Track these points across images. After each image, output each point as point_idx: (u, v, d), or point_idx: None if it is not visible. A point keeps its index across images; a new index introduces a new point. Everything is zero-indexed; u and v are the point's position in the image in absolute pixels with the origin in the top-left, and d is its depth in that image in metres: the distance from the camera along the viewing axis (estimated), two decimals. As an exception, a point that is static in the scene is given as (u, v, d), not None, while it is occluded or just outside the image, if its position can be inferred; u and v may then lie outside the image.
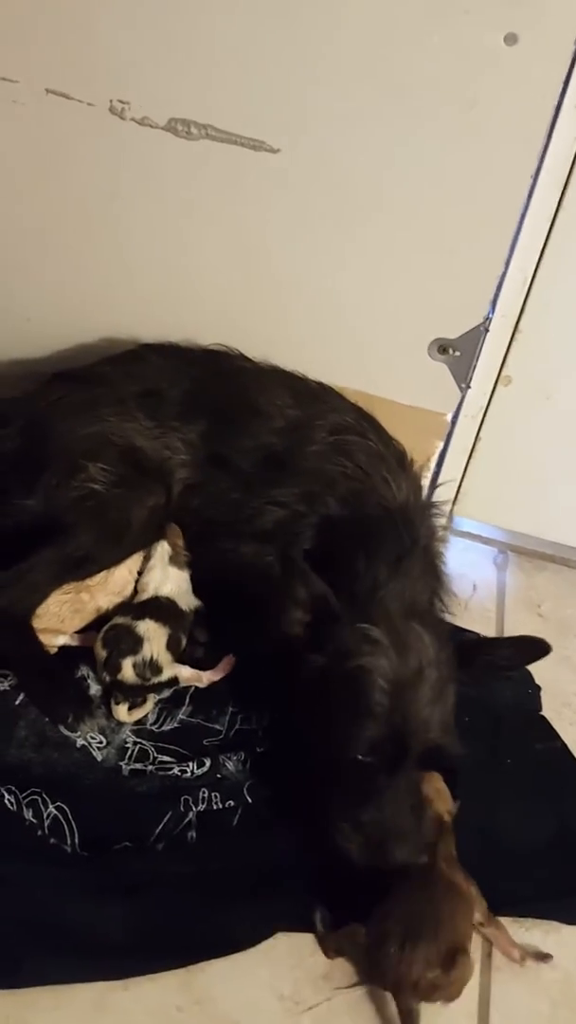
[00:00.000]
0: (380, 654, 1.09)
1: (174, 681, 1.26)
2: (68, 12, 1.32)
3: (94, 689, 1.25)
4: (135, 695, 1.23)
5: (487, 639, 1.28)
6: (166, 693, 1.26)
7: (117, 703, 1.22)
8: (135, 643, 1.24)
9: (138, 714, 1.23)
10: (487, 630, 1.50)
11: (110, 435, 1.33)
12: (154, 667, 1.23)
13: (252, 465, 1.32)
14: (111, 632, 1.25)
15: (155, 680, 1.24)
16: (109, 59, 1.33)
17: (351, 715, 1.07)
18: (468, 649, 1.18)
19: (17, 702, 1.21)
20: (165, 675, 1.25)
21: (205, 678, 1.28)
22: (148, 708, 1.24)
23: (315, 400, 1.39)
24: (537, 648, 1.16)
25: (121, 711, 1.22)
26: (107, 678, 1.23)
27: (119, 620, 1.27)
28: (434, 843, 1.08)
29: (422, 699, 1.08)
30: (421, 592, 1.21)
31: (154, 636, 1.26)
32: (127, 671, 1.22)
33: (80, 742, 1.20)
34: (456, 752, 1.12)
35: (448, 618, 1.33)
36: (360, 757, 1.06)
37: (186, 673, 1.28)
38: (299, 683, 1.14)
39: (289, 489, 1.29)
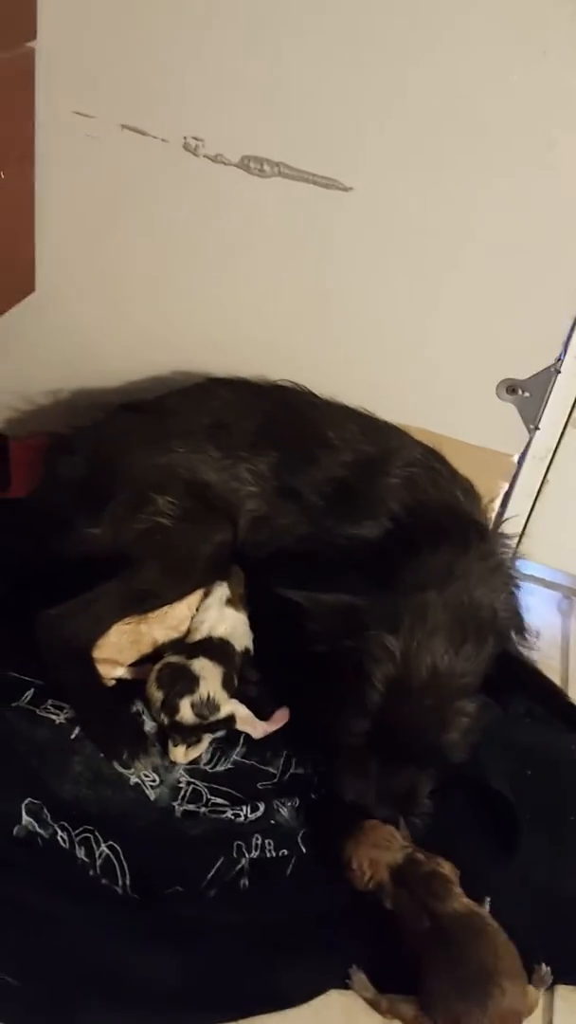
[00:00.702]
0: (387, 660, 1.09)
1: (231, 719, 1.24)
2: (145, 48, 1.33)
3: (149, 726, 1.23)
4: (194, 735, 1.21)
5: (527, 672, 1.22)
6: (221, 732, 1.24)
7: (175, 744, 1.20)
8: (191, 682, 1.22)
9: (193, 754, 1.22)
10: (552, 677, 1.45)
11: (178, 468, 1.32)
12: (212, 705, 1.21)
13: (323, 498, 1.31)
14: (165, 672, 1.24)
15: (213, 718, 1.21)
16: (184, 96, 1.34)
17: (348, 705, 1.11)
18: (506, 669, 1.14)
19: (73, 736, 1.19)
20: (223, 712, 1.23)
21: (260, 729, 1.25)
22: (203, 747, 1.23)
23: (384, 435, 1.38)
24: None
25: (179, 752, 1.20)
26: (165, 720, 1.21)
27: (171, 659, 1.25)
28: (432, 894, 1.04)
29: (423, 706, 1.08)
30: (482, 595, 1.17)
31: (209, 674, 1.24)
32: (185, 711, 1.20)
33: (134, 780, 1.18)
34: (458, 760, 1.13)
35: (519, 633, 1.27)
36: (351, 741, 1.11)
37: (243, 712, 1.26)
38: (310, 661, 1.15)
39: (362, 520, 1.27)
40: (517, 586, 1.30)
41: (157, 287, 1.50)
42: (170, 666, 1.24)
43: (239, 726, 1.25)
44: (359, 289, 1.42)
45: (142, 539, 1.28)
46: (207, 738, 1.23)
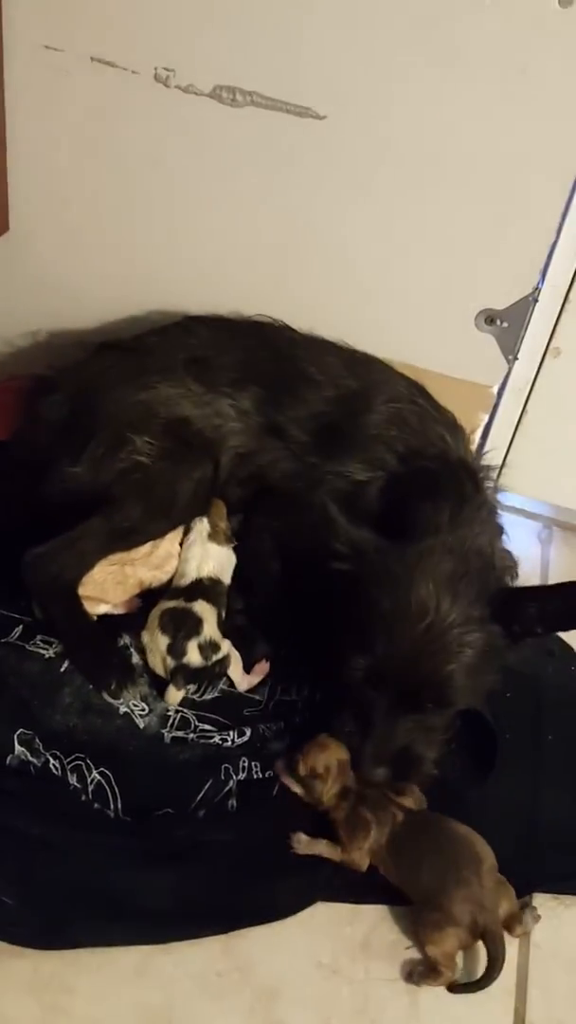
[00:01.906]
0: (392, 600, 1.10)
1: (227, 660, 1.26)
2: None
3: (136, 658, 1.26)
4: (199, 679, 1.23)
5: (536, 588, 1.24)
6: (222, 680, 1.26)
7: (178, 688, 1.22)
8: (196, 624, 1.24)
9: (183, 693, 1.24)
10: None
11: (157, 405, 1.33)
12: (214, 646, 1.24)
13: (308, 434, 1.32)
14: (167, 617, 1.25)
15: (215, 658, 1.24)
16: (153, 26, 1.32)
17: (351, 639, 1.12)
18: (515, 600, 1.14)
19: (62, 669, 1.23)
20: (222, 651, 1.25)
21: (245, 682, 1.27)
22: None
23: (365, 369, 1.38)
24: None
25: (175, 696, 1.22)
26: (171, 663, 1.22)
27: (171, 604, 1.27)
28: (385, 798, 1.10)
29: (425, 648, 1.09)
30: (483, 542, 1.20)
31: (209, 616, 1.26)
32: (193, 654, 1.22)
33: (123, 709, 1.21)
34: (463, 703, 1.13)
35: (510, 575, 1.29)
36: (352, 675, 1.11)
37: (234, 662, 1.28)
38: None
39: (349, 458, 1.28)
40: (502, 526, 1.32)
41: (132, 222, 1.49)
42: (171, 611, 1.26)
43: (229, 672, 1.27)
44: (335, 220, 1.41)
45: (122, 478, 1.29)
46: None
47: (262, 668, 1.29)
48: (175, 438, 1.32)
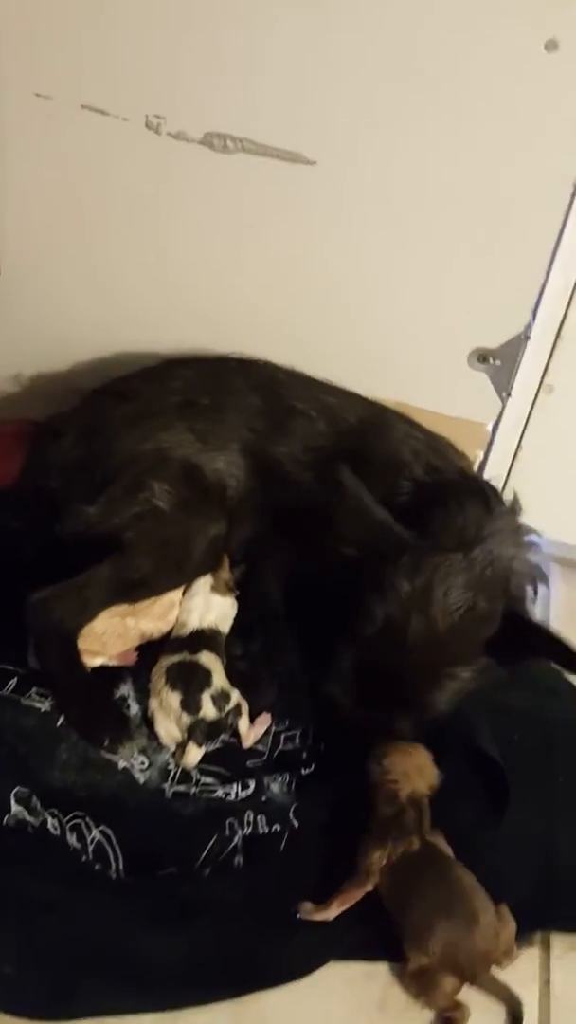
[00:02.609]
0: (393, 603, 1.09)
1: (239, 709, 1.23)
2: (102, 27, 1.31)
3: (135, 709, 1.23)
4: (215, 733, 1.20)
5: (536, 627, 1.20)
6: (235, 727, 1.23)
7: (199, 745, 1.18)
8: (206, 676, 1.21)
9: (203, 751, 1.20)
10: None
11: (168, 451, 1.31)
12: (224, 696, 1.21)
13: (307, 468, 1.30)
14: (173, 672, 1.22)
15: (227, 708, 1.20)
16: (143, 73, 1.33)
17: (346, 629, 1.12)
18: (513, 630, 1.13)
19: (59, 724, 1.19)
20: (232, 701, 1.22)
21: (251, 737, 1.23)
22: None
23: (360, 405, 1.38)
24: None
25: (195, 755, 1.18)
26: (187, 720, 1.18)
27: (175, 659, 1.24)
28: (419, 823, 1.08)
29: (415, 660, 1.09)
30: (502, 560, 1.17)
31: (216, 666, 1.24)
32: (208, 706, 1.19)
33: (122, 764, 1.17)
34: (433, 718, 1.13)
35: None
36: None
37: (243, 703, 1.25)
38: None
39: (383, 484, 1.26)
40: (531, 544, 1.31)
41: (123, 268, 1.49)
42: (177, 665, 1.23)
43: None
44: (327, 263, 1.41)
45: (136, 523, 1.26)
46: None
47: (264, 719, 1.26)
48: (190, 486, 1.30)
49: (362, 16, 1.23)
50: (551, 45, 1.19)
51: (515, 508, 1.29)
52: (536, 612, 1.31)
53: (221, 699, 1.20)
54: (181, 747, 1.19)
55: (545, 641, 1.12)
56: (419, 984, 1.00)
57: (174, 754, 1.19)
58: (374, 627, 1.11)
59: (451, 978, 0.99)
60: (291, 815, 1.14)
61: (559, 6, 1.17)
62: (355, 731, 1.14)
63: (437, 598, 1.09)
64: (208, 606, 1.30)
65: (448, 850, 1.08)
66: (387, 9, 1.22)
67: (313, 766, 1.21)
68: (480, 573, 1.12)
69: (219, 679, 1.22)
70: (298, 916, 1.03)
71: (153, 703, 1.22)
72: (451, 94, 1.26)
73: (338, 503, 1.15)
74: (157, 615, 1.29)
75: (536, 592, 1.25)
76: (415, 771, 1.11)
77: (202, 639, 1.27)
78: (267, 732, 1.25)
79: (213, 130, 1.34)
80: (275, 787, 1.18)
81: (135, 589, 1.26)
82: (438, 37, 1.23)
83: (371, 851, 1.05)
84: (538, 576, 1.26)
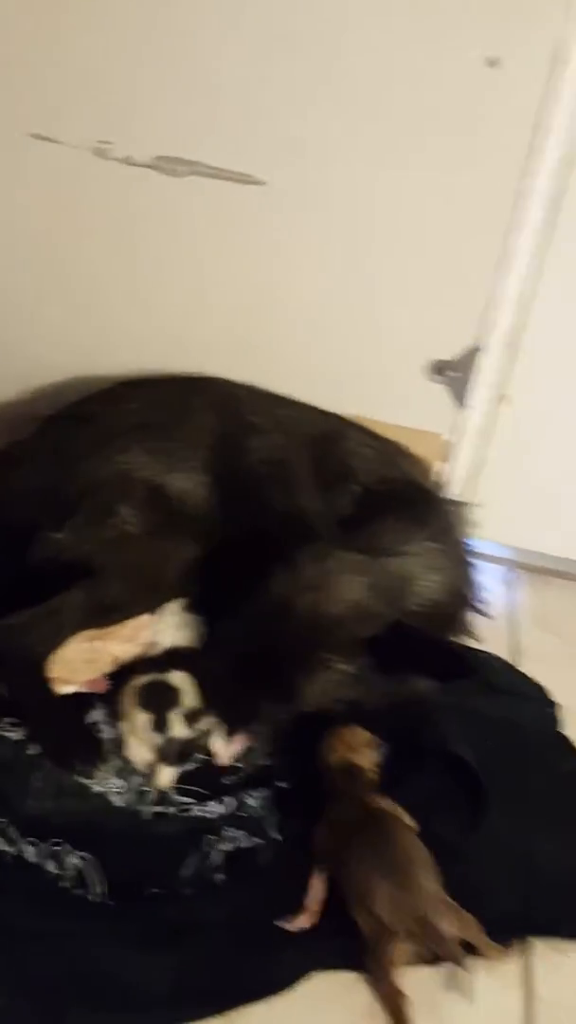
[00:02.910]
0: (289, 583, 1.13)
1: (211, 729, 1.22)
2: (48, 55, 1.32)
3: (108, 734, 1.22)
4: (187, 754, 1.19)
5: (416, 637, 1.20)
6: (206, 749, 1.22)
7: (170, 764, 1.17)
8: (175, 694, 1.20)
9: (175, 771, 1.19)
10: (499, 649, 1.49)
11: (132, 473, 1.31)
12: (195, 715, 1.20)
13: (268, 483, 1.31)
14: (144, 692, 1.21)
15: (199, 729, 1.20)
16: (92, 100, 1.34)
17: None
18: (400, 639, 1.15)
19: (31, 752, 1.18)
20: (204, 722, 1.21)
21: (226, 754, 1.22)
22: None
23: (316, 416, 1.40)
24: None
25: (167, 775, 1.17)
26: (157, 740, 1.17)
27: (146, 679, 1.23)
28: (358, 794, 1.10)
29: (296, 642, 1.12)
30: (409, 574, 1.20)
31: (186, 686, 1.23)
32: (178, 726, 1.18)
33: (98, 788, 1.17)
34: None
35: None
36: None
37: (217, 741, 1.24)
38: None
39: (313, 496, 1.29)
40: (466, 563, 1.33)
41: (75, 293, 1.50)
42: (146, 686, 1.22)
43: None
44: (282, 281, 1.43)
45: (106, 548, 1.26)
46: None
47: (240, 738, 1.24)
48: (158, 509, 1.29)
49: (308, 37, 1.26)
50: (493, 62, 1.22)
51: (451, 527, 1.31)
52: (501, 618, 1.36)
53: (191, 718, 1.20)
54: (153, 769, 1.18)
55: (425, 656, 1.14)
56: (370, 953, 1.00)
57: (147, 776, 1.19)
58: (267, 603, 1.13)
59: (396, 941, 0.99)
60: (271, 828, 1.15)
61: (500, 24, 1.21)
62: (225, 707, 1.17)
63: (331, 586, 1.13)
64: (179, 625, 1.30)
65: (402, 816, 1.10)
66: (332, 29, 1.25)
67: (290, 779, 1.21)
68: (382, 580, 1.16)
69: (189, 698, 1.22)
70: (282, 928, 1.03)
71: (124, 726, 1.21)
72: (397, 111, 1.29)
73: (277, 478, 1.18)
74: (127, 637, 1.29)
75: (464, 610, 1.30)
76: (342, 744, 1.15)
77: (175, 658, 1.27)
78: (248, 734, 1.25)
79: (163, 154, 1.36)
80: (253, 802, 1.18)
81: (109, 613, 1.25)
82: (383, 56, 1.26)
83: (318, 832, 1.08)
84: (463, 597, 1.29)
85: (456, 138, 1.29)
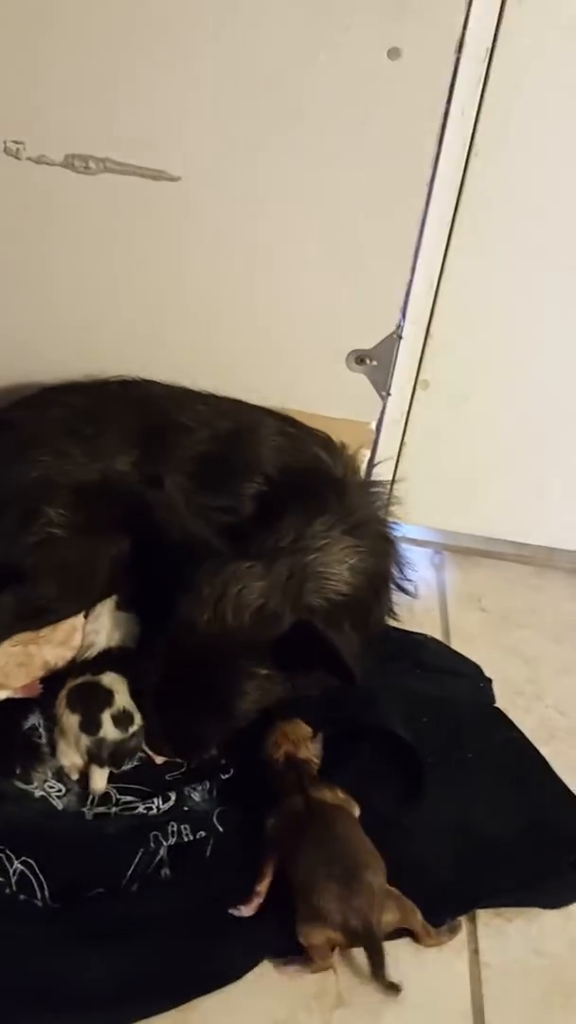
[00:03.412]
0: (192, 608, 1.14)
1: (142, 732, 1.21)
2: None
3: (45, 739, 1.21)
4: (120, 757, 1.18)
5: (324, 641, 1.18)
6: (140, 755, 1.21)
7: (101, 766, 1.16)
8: (107, 695, 1.20)
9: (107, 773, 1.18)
10: (433, 629, 1.52)
11: (57, 476, 1.30)
12: (128, 717, 1.19)
13: (187, 477, 1.32)
14: (74, 694, 1.20)
15: (132, 729, 1.19)
16: (-1, 100, 1.33)
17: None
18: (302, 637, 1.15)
19: (-32, 760, 1.17)
20: (136, 723, 1.20)
21: (159, 758, 1.22)
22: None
23: (236, 411, 1.41)
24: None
25: (100, 778, 1.16)
26: (87, 743, 1.16)
27: (78, 680, 1.22)
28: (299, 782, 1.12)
29: (208, 661, 1.13)
30: (315, 565, 1.21)
31: (119, 686, 1.22)
32: (108, 726, 1.17)
33: (39, 793, 1.16)
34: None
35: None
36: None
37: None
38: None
39: (228, 488, 1.30)
40: (386, 548, 1.35)
41: (-7, 295, 1.47)
42: (78, 687, 1.21)
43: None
44: (199, 276, 1.44)
45: (36, 551, 1.25)
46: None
47: None
48: (86, 509, 1.29)
49: (212, 31, 1.27)
50: (394, 53, 1.25)
51: (366, 513, 1.33)
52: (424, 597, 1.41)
53: (124, 719, 1.19)
54: (84, 773, 1.18)
55: (326, 656, 1.14)
56: (308, 945, 1.01)
57: (78, 782, 1.18)
58: (178, 628, 1.14)
59: (331, 932, 1.00)
60: (214, 820, 1.15)
61: (399, 16, 1.23)
62: (165, 738, 1.18)
63: (229, 597, 1.13)
64: (115, 624, 1.29)
65: (347, 805, 1.12)
66: (236, 22, 1.26)
67: (232, 771, 1.21)
68: (279, 579, 1.17)
69: (122, 699, 1.21)
70: (232, 916, 1.04)
71: (56, 732, 1.20)
72: (303, 104, 1.30)
73: (162, 508, 1.20)
74: (59, 641, 1.28)
75: (385, 593, 1.33)
76: (285, 739, 1.16)
77: (109, 659, 1.26)
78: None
79: (74, 152, 1.35)
80: (196, 796, 1.18)
81: (39, 615, 1.24)
82: (287, 50, 1.27)
83: (268, 820, 1.09)
84: (378, 584, 1.31)
85: (364, 129, 1.31)
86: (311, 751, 1.17)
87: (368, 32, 1.24)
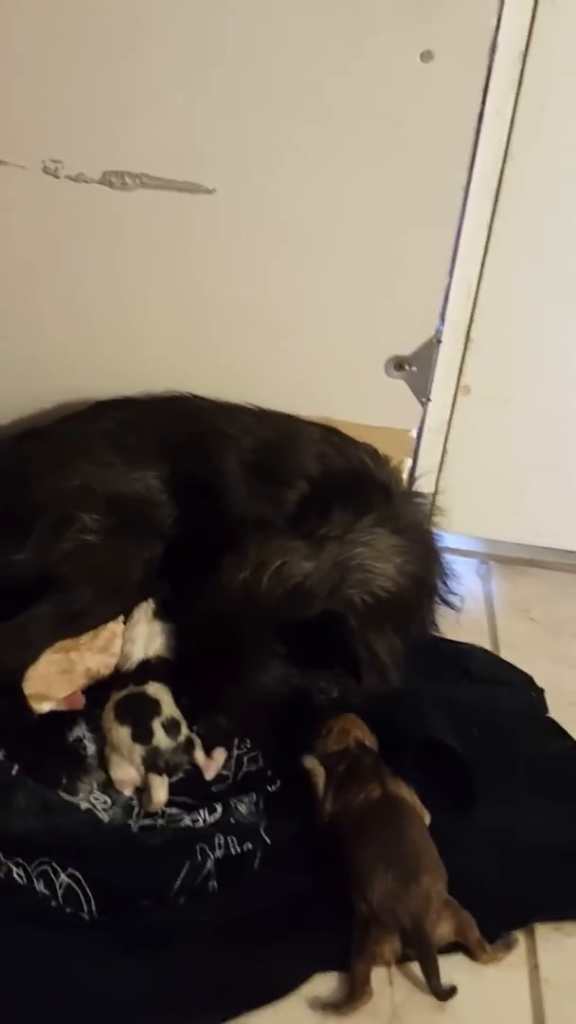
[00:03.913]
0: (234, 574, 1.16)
1: (192, 743, 1.20)
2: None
3: (91, 750, 1.20)
4: (174, 766, 1.17)
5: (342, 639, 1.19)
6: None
7: (160, 773, 1.15)
8: (154, 704, 1.19)
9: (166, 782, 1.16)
10: (481, 640, 1.49)
11: (94, 483, 1.31)
12: (176, 725, 1.18)
13: (232, 485, 1.32)
14: (121, 707, 1.20)
15: (180, 739, 1.18)
16: (38, 120, 1.35)
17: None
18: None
19: (14, 772, 1.15)
20: (183, 733, 1.19)
21: (211, 770, 1.20)
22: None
23: (279, 422, 1.42)
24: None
25: (162, 788, 1.15)
26: (140, 751, 1.15)
27: (123, 693, 1.22)
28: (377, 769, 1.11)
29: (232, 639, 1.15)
30: (358, 560, 1.22)
31: (164, 695, 1.21)
32: (160, 734, 1.16)
33: (84, 805, 1.15)
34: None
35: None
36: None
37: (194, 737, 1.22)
38: None
39: (272, 494, 1.30)
40: (425, 552, 1.34)
41: (34, 313, 1.49)
42: (124, 699, 1.21)
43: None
44: (237, 288, 1.44)
45: (70, 558, 1.26)
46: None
47: (221, 753, 1.22)
48: (119, 515, 1.30)
49: (244, 44, 1.28)
50: (426, 56, 1.25)
51: (412, 518, 1.33)
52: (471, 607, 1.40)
53: (172, 728, 1.18)
54: (141, 788, 1.16)
55: (342, 653, 1.14)
56: (358, 937, 0.98)
57: (137, 800, 1.16)
58: (215, 585, 1.17)
59: (385, 933, 0.98)
60: (262, 832, 1.13)
61: (431, 19, 1.23)
62: (189, 692, 1.19)
63: (270, 566, 1.16)
64: (152, 634, 1.28)
65: (416, 803, 1.10)
66: (267, 35, 1.27)
67: (279, 783, 1.19)
68: (323, 564, 1.18)
69: (168, 708, 1.20)
70: (281, 930, 1.02)
71: (107, 747, 1.19)
72: (336, 112, 1.31)
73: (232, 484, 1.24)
74: (99, 648, 1.27)
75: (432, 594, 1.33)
76: (350, 726, 1.16)
77: (148, 669, 1.25)
78: (229, 755, 1.23)
79: (111, 169, 1.37)
80: (243, 808, 1.16)
81: (76, 620, 1.25)
82: (318, 59, 1.28)
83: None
84: (424, 581, 1.31)
85: (398, 134, 1.31)
86: (372, 739, 1.17)
87: (400, 36, 1.25)
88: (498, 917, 1.06)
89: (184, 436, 1.38)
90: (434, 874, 1.01)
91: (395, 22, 1.24)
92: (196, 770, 1.20)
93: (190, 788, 1.18)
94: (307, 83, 1.29)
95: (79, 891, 1.04)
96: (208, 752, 1.21)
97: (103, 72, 1.32)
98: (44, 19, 1.29)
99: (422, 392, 1.50)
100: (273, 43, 1.27)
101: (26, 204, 1.41)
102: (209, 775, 1.20)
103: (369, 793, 1.08)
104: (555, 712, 1.36)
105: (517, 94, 1.29)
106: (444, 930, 1.00)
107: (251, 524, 1.20)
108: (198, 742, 1.21)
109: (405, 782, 1.11)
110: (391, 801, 1.08)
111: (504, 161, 1.34)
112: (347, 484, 1.30)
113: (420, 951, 0.98)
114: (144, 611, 1.31)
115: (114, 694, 1.23)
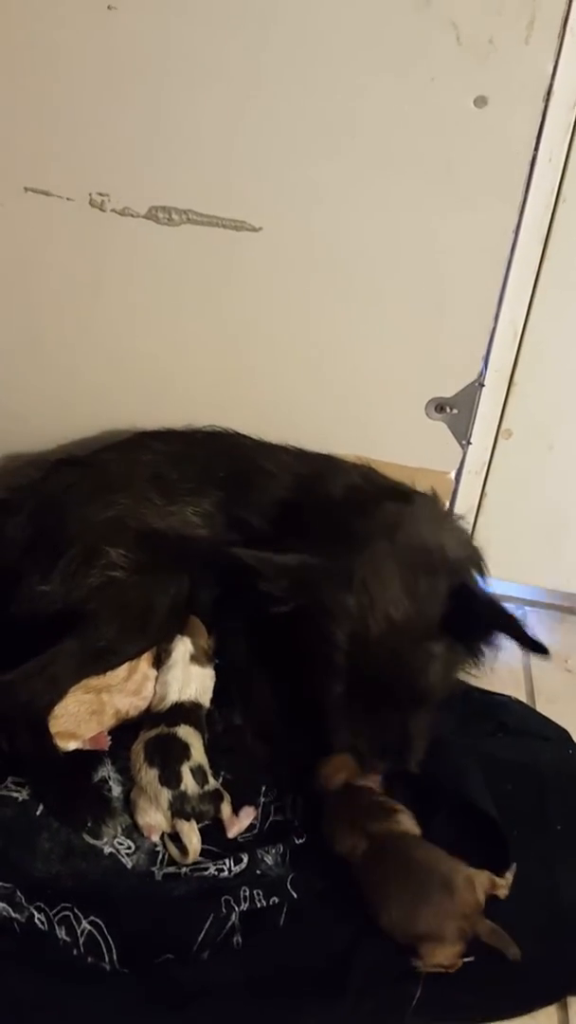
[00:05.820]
0: (345, 618, 1.12)
1: (220, 794, 1.17)
2: (41, 109, 1.34)
3: (116, 792, 1.18)
4: (201, 815, 1.14)
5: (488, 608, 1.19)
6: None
7: (188, 819, 1.12)
8: (184, 748, 1.17)
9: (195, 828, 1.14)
10: (516, 691, 1.46)
11: (126, 518, 1.30)
12: (203, 774, 1.16)
13: (269, 520, 1.31)
14: (150, 747, 1.18)
15: (207, 788, 1.15)
16: (86, 153, 1.35)
17: (318, 669, 1.14)
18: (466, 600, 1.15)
19: (38, 812, 1.14)
20: (211, 783, 1.16)
21: (234, 828, 1.17)
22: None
23: (318, 460, 1.41)
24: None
25: (193, 833, 1.12)
26: (167, 795, 1.13)
27: (153, 733, 1.20)
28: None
29: (390, 655, 1.12)
30: (430, 537, 1.21)
31: (195, 740, 1.19)
32: (188, 779, 1.14)
33: (108, 849, 1.12)
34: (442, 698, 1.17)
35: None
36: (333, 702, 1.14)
37: (223, 791, 1.19)
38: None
39: (308, 534, 1.26)
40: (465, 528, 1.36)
41: (73, 344, 1.49)
42: (153, 740, 1.19)
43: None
44: (280, 327, 1.43)
45: (96, 593, 1.24)
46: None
47: (249, 812, 1.19)
48: (149, 551, 1.28)
49: (296, 84, 1.27)
50: (480, 101, 1.24)
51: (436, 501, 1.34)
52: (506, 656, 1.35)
53: (200, 775, 1.16)
54: (169, 836, 1.14)
55: (495, 614, 1.15)
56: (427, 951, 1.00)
57: (163, 847, 1.14)
58: (343, 650, 1.12)
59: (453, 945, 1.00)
60: (288, 886, 1.10)
61: (486, 65, 1.22)
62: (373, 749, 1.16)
63: (376, 590, 1.12)
64: (187, 678, 1.26)
65: (406, 823, 1.10)
66: (321, 76, 1.26)
67: (306, 836, 1.16)
68: (407, 553, 1.16)
69: (198, 754, 1.18)
70: (306, 989, 0.99)
71: (134, 792, 1.17)
72: (388, 154, 1.30)
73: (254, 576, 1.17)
74: (131, 691, 1.26)
75: (480, 569, 1.30)
76: (343, 764, 1.16)
77: (181, 713, 1.23)
78: (256, 807, 1.21)
79: (157, 204, 1.37)
80: (269, 859, 1.13)
81: (101, 658, 1.23)
82: (372, 102, 1.27)
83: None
84: (475, 551, 1.30)
85: (449, 179, 1.30)
86: (370, 781, 1.15)
87: (454, 81, 1.24)
88: (532, 984, 1.03)
89: (225, 471, 1.37)
90: (458, 869, 1.04)
91: (452, 67, 1.23)
92: (219, 824, 1.17)
93: (216, 838, 1.16)
94: (360, 126, 1.28)
95: (101, 940, 1.02)
96: (236, 810, 1.18)
97: (153, 107, 1.31)
98: (95, 54, 1.29)
99: (463, 435, 1.48)
100: (326, 85, 1.27)
101: (72, 236, 1.40)
102: (231, 833, 1.17)
103: (362, 845, 1.08)
104: (592, 768, 1.32)
105: (571, 140, 1.27)
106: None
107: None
108: (227, 797, 1.18)
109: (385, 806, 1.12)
110: (381, 842, 1.08)
111: (555, 206, 1.32)
112: (376, 497, 1.30)
113: (491, 938, 1.02)
114: (182, 653, 1.29)
115: (144, 732, 1.22)
